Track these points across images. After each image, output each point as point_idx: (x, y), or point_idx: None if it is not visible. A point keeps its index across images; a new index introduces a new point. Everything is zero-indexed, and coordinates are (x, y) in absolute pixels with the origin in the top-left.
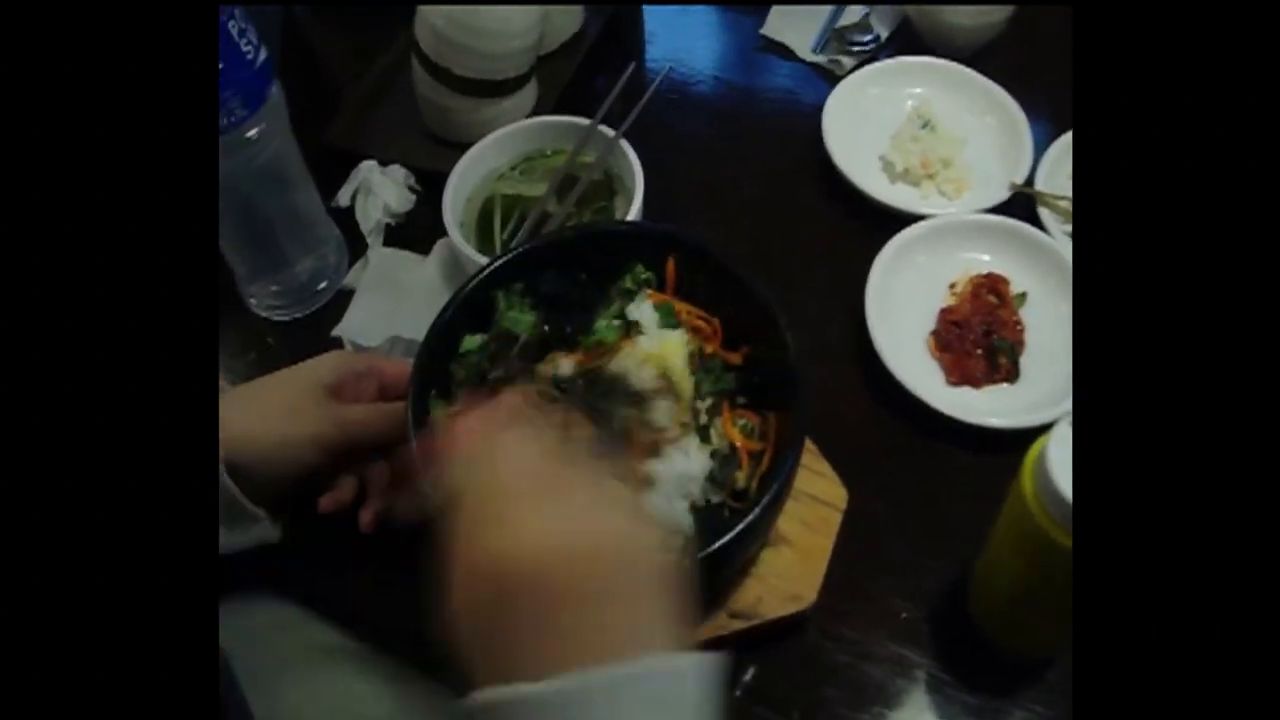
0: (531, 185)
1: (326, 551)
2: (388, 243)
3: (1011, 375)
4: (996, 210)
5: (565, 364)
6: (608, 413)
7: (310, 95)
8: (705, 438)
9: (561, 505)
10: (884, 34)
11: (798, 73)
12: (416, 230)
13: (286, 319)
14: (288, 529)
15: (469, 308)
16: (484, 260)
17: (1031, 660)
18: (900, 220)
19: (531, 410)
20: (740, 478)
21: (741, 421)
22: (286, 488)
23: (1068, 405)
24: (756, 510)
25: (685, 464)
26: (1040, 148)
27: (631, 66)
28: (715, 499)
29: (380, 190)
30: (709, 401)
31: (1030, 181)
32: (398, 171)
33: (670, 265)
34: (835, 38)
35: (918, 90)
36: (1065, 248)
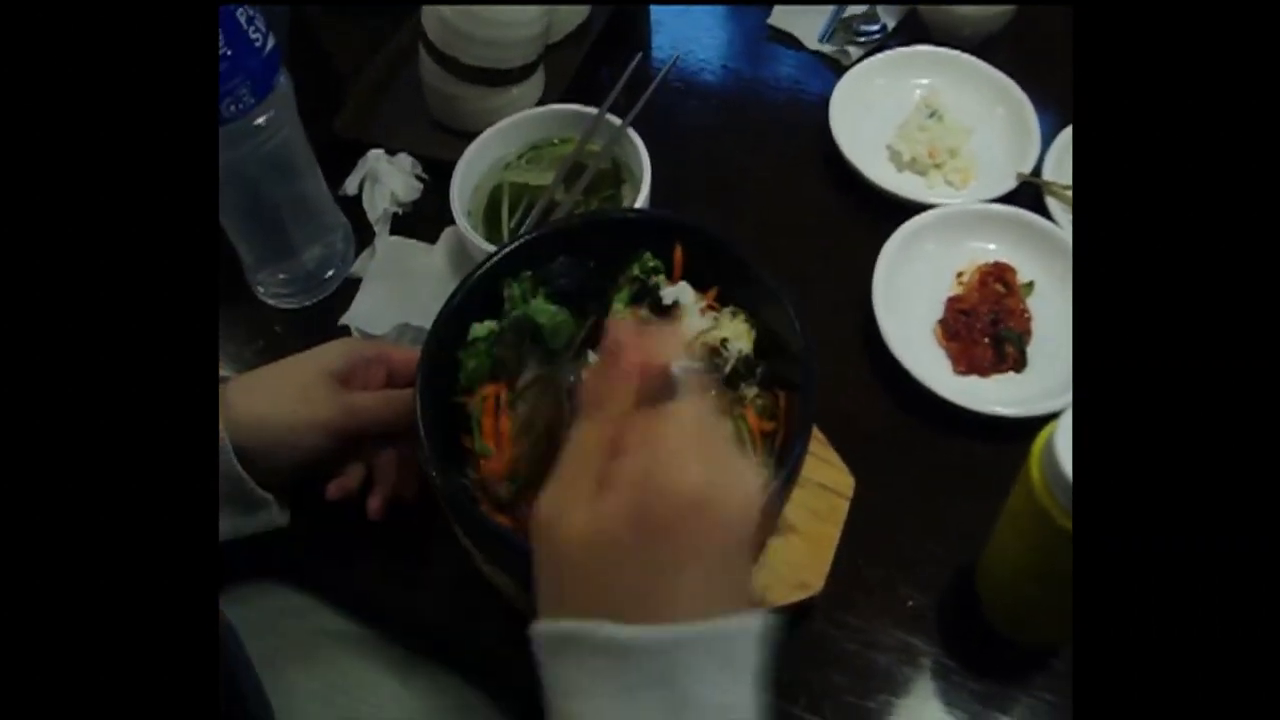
0: (539, 174)
1: (334, 538)
2: (395, 231)
3: (1019, 364)
4: (1003, 200)
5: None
6: None
7: (318, 84)
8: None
9: (719, 460)
10: (891, 24)
11: (805, 62)
12: (423, 219)
13: (294, 307)
14: (295, 515)
15: (477, 295)
16: (492, 248)
17: (1038, 648)
18: (907, 210)
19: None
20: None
21: (760, 402)
22: (294, 473)
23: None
24: (767, 495)
25: None
26: (1047, 138)
27: (638, 56)
28: None
29: (387, 179)
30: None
31: (1037, 171)
32: (405, 160)
33: (678, 252)
34: (842, 28)
35: (925, 80)
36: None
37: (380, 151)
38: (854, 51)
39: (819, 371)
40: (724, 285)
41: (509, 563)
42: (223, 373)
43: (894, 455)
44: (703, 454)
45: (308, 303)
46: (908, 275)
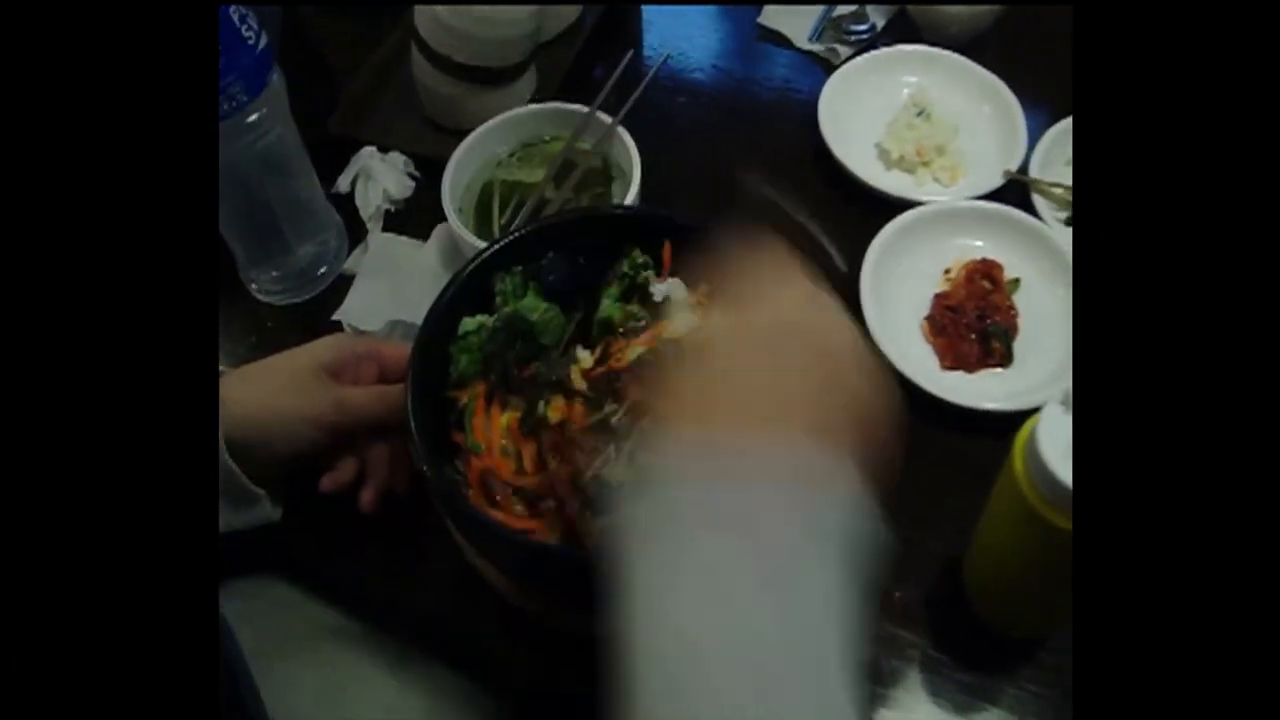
0: (530, 171)
1: (327, 533)
2: (387, 228)
3: (1005, 360)
4: (991, 197)
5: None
6: None
7: (310, 83)
8: None
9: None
10: (880, 23)
11: (794, 61)
12: (416, 216)
13: (286, 303)
14: (288, 510)
15: (468, 291)
16: (483, 245)
17: (1025, 639)
18: (895, 207)
19: None
20: None
21: None
22: (287, 468)
23: (1060, 388)
24: None
25: None
26: (1034, 135)
27: (629, 54)
28: None
29: (380, 176)
30: None
31: (1024, 169)
32: (397, 158)
33: (667, 249)
34: (831, 27)
35: (913, 79)
36: (1059, 234)
37: (373, 149)
38: (843, 50)
39: None
40: (713, 282)
41: (500, 556)
42: None
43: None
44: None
45: (300, 299)
46: (895, 271)
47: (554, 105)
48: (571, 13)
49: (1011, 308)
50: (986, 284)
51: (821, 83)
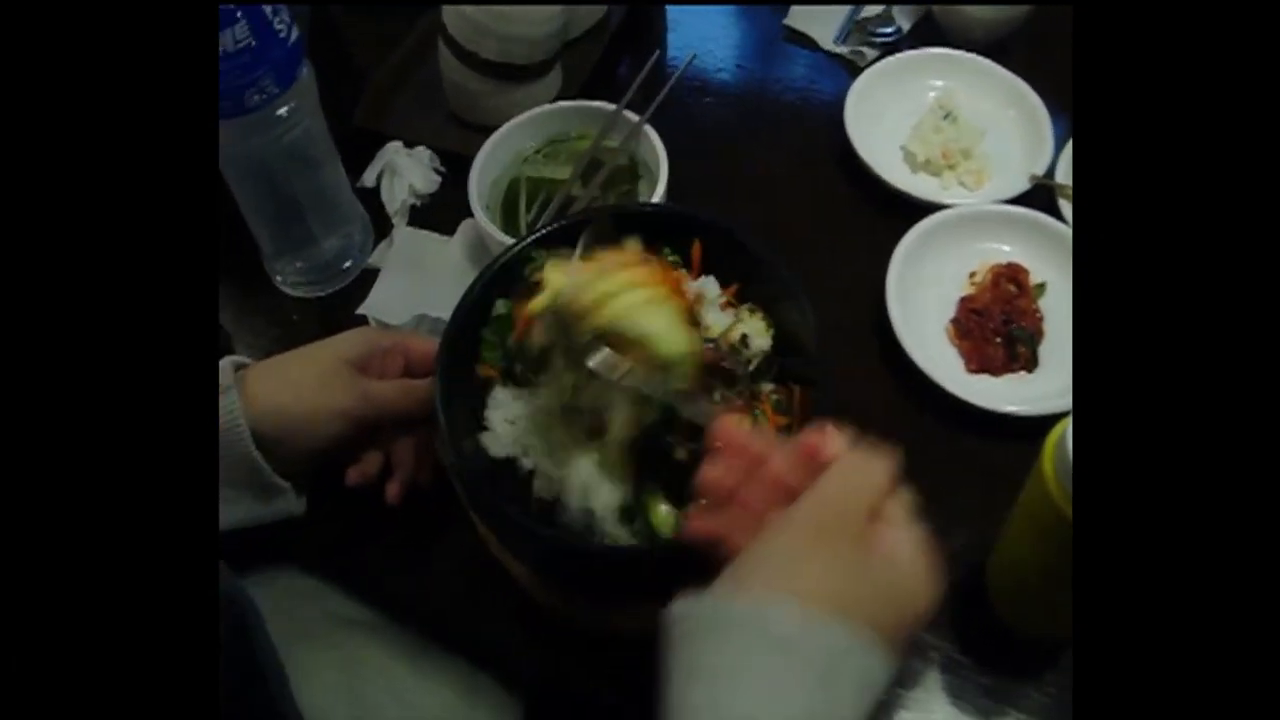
0: (557, 168)
1: (348, 525)
2: (412, 223)
3: (1030, 364)
4: (1017, 201)
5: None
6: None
7: (338, 79)
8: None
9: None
10: (905, 26)
11: (820, 63)
12: (440, 212)
13: (312, 296)
14: (310, 503)
15: (498, 286)
16: (510, 241)
17: (1047, 643)
18: (921, 210)
19: None
20: None
21: (775, 397)
22: (312, 461)
23: None
24: None
25: None
26: (1060, 140)
27: (656, 54)
28: None
29: (406, 171)
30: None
31: (1050, 173)
32: (423, 153)
33: (697, 248)
34: (857, 29)
35: (939, 82)
36: None
37: (399, 144)
38: (869, 53)
39: (832, 363)
40: (741, 282)
41: (525, 549)
42: (241, 360)
43: (905, 452)
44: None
45: (325, 292)
46: (921, 274)
47: (581, 103)
48: (597, 12)
49: (1037, 312)
50: (1012, 288)
51: (845, 84)
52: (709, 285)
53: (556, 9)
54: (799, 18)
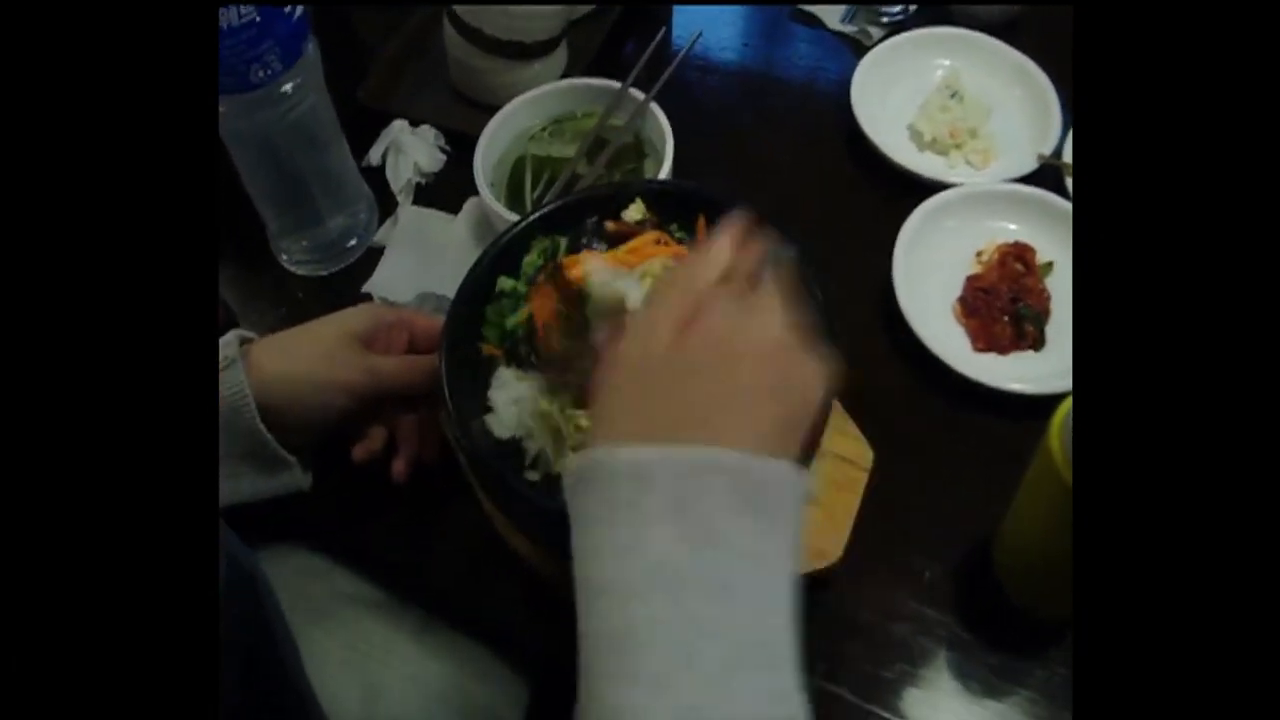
0: (562, 147)
1: (353, 502)
2: (417, 202)
3: (1037, 343)
4: (1024, 180)
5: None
6: None
7: (343, 58)
8: None
9: (800, 332)
10: (912, 6)
11: (826, 42)
12: (445, 190)
13: (316, 275)
14: (315, 480)
15: (504, 261)
16: (515, 218)
17: (1054, 621)
18: (928, 189)
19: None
20: None
21: None
22: (317, 435)
23: None
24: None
25: None
26: (1067, 119)
27: (661, 31)
28: None
29: (411, 150)
30: None
31: (1057, 153)
32: (428, 132)
33: (701, 223)
34: (864, 8)
35: (946, 61)
36: None
37: (404, 123)
38: (875, 32)
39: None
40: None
41: (532, 524)
42: (246, 334)
43: (912, 430)
44: (788, 322)
45: (330, 271)
46: (928, 253)
47: (586, 81)
48: None
49: (1044, 291)
50: (1019, 267)
51: (852, 64)
52: None
53: None
54: None
